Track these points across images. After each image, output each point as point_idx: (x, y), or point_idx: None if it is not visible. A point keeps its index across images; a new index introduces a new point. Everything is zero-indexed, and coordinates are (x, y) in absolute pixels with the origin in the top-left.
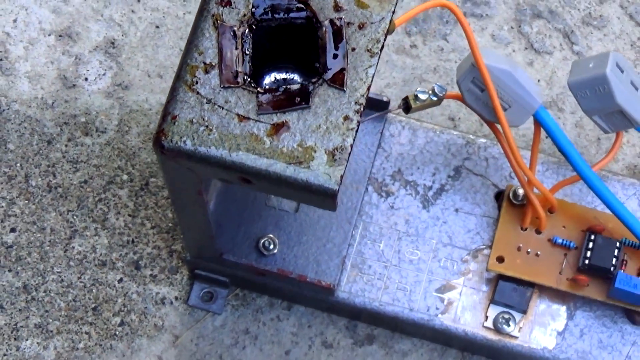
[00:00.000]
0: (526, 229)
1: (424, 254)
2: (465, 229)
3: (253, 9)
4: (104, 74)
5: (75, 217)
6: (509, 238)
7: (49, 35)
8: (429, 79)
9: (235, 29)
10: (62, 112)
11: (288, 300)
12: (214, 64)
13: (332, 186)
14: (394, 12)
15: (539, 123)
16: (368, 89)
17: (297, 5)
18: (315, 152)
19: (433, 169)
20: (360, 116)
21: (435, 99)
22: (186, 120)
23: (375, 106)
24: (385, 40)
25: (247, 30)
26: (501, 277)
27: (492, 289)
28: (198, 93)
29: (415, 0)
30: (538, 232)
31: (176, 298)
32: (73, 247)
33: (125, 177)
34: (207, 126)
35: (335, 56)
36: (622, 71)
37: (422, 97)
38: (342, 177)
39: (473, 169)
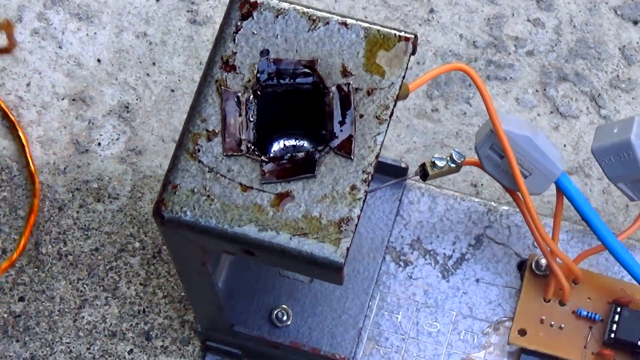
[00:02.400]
0: (549, 301)
1: (443, 326)
2: (486, 300)
3: (258, 74)
4: (117, 139)
5: (85, 286)
6: (532, 310)
7: (63, 99)
8: (451, 143)
9: (240, 95)
10: (74, 178)
11: None
12: (217, 132)
13: (338, 259)
14: (404, 77)
15: (561, 191)
16: (376, 157)
17: (304, 70)
18: (320, 223)
19: (453, 238)
20: (368, 186)
21: (453, 165)
22: (187, 190)
23: (393, 173)
24: (394, 106)
25: (251, 96)
26: (523, 350)
27: None
28: (200, 161)
29: (437, 63)
30: (562, 303)
31: None
32: (83, 317)
33: (137, 244)
34: (208, 196)
35: (342, 123)
36: None
37: (440, 164)
38: (348, 249)
39: (495, 237)
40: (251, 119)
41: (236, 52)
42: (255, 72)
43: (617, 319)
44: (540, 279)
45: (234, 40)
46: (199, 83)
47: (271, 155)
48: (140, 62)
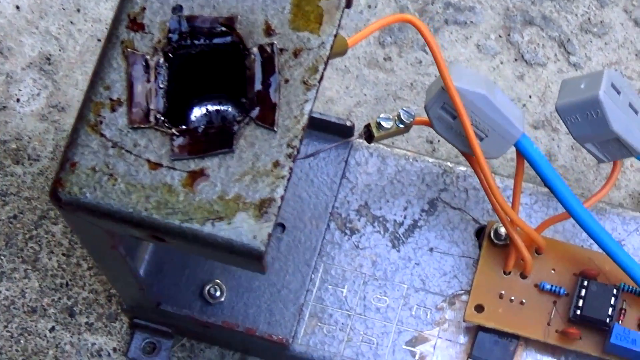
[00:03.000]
0: (510, 273)
1: (393, 301)
2: (440, 271)
3: (169, 34)
4: (38, 94)
5: (2, 257)
6: (490, 283)
7: None
8: (405, 96)
9: (148, 58)
10: None
11: (241, 352)
12: (122, 101)
13: (258, 247)
14: (336, 35)
15: (521, 154)
16: (303, 129)
17: (221, 29)
18: (238, 205)
19: (405, 203)
20: (294, 161)
21: (402, 126)
22: (87, 168)
23: (338, 132)
24: (325, 69)
25: (162, 60)
26: (481, 328)
27: (471, 342)
28: (102, 135)
29: (390, 7)
30: (523, 276)
31: (115, 350)
32: None
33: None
34: (111, 175)
35: (264, 89)
36: (618, 92)
37: (386, 125)
38: (270, 235)
39: (450, 202)
40: (161, 86)
41: (145, 9)
42: (167, 31)
43: (583, 294)
44: (500, 249)
45: None
46: (103, 45)
47: (183, 127)
48: (63, 8)
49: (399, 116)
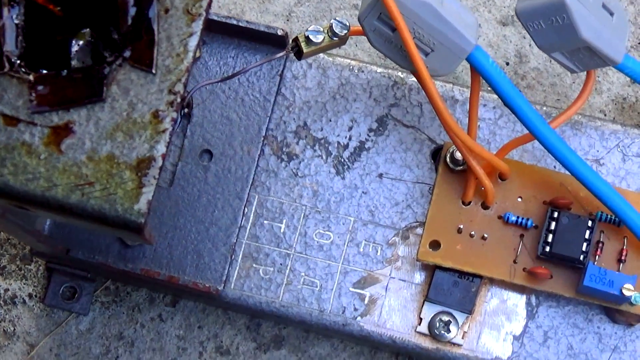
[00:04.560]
0: (469, 204)
1: (337, 237)
2: (392, 201)
3: None
4: None
5: None
6: (447, 216)
7: None
8: None
9: None
10: None
11: (172, 294)
12: None
13: (136, 218)
14: None
15: (475, 70)
16: (188, 69)
17: None
18: (112, 167)
19: (349, 121)
20: (177, 110)
21: (335, 39)
22: None
23: (269, 41)
24: None
25: None
26: (438, 267)
27: (428, 282)
28: None
29: None
30: (485, 207)
31: (30, 296)
32: None
33: None
34: None
35: (140, 22)
36: None
37: (317, 39)
38: (149, 203)
39: (402, 119)
40: (16, 20)
41: None
42: None
43: (553, 227)
44: (458, 175)
45: None
46: None
47: (43, 72)
48: None
49: (330, 28)
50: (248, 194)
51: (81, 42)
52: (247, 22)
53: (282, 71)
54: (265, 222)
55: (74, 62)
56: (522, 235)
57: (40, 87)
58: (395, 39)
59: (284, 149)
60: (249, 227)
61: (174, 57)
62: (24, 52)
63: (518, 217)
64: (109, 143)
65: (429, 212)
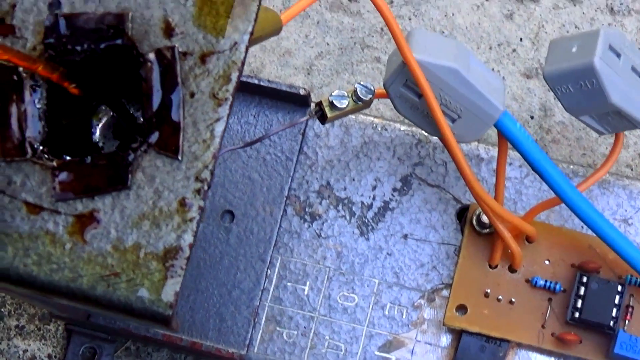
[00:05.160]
0: (496, 267)
1: (362, 299)
2: (417, 262)
3: (45, 40)
4: None
5: None
6: (473, 279)
7: None
8: (374, 43)
9: (21, 70)
10: None
11: (193, 356)
12: None
13: (164, 310)
14: (252, 34)
15: (502, 135)
16: (214, 156)
17: (110, 30)
18: (138, 257)
19: (373, 181)
20: (204, 199)
21: (360, 103)
22: None
23: (291, 100)
24: (240, 78)
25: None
26: (465, 331)
27: (455, 345)
28: None
29: None
30: (512, 270)
31: (50, 357)
32: None
33: None
34: None
35: (165, 106)
36: (618, 55)
37: (341, 104)
38: (177, 294)
39: (427, 178)
40: (38, 105)
41: (15, 6)
42: (42, 34)
43: (582, 292)
44: (484, 237)
45: None
46: None
47: (67, 158)
48: None
49: (355, 92)
50: (271, 255)
51: (101, 122)
52: (268, 81)
53: (304, 129)
54: (289, 284)
55: (96, 137)
56: (550, 299)
57: (63, 174)
58: (422, 105)
59: (306, 210)
60: (272, 290)
61: (200, 143)
62: (46, 137)
63: (546, 281)
64: (134, 232)
65: (456, 276)
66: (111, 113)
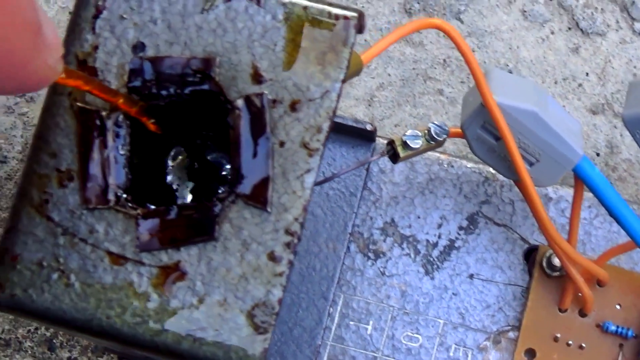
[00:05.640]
0: (566, 311)
1: (426, 340)
2: (483, 303)
3: (130, 83)
4: None
5: None
6: (543, 323)
7: None
8: (437, 75)
9: (104, 115)
10: None
11: None
12: (72, 173)
13: None
14: (344, 81)
15: (580, 179)
16: (304, 208)
17: (196, 74)
18: (225, 312)
19: (439, 218)
20: (294, 253)
21: (433, 143)
22: (32, 263)
23: (356, 135)
24: (331, 127)
25: (121, 117)
26: None
27: None
28: (50, 219)
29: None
30: (582, 314)
31: None
32: None
33: None
34: (63, 272)
35: (254, 155)
36: None
37: (415, 144)
38: (265, 350)
39: (494, 217)
40: (122, 151)
41: (97, 47)
42: (126, 78)
43: None
44: (554, 280)
45: (93, 28)
46: (46, 97)
47: (151, 207)
48: None
49: (429, 132)
50: (333, 293)
51: (176, 163)
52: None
53: (369, 165)
54: (351, 323)
55: (169, 178)
56: (621, 345)
57: (148, 224)
58: (499, 148)
59: (370, 247)
60: (334, 328)
61: (290, 194)
62: (130, 184)
63: (617, 327)
64: (222, 285)
65: (524, 319)
66: (186, 155)
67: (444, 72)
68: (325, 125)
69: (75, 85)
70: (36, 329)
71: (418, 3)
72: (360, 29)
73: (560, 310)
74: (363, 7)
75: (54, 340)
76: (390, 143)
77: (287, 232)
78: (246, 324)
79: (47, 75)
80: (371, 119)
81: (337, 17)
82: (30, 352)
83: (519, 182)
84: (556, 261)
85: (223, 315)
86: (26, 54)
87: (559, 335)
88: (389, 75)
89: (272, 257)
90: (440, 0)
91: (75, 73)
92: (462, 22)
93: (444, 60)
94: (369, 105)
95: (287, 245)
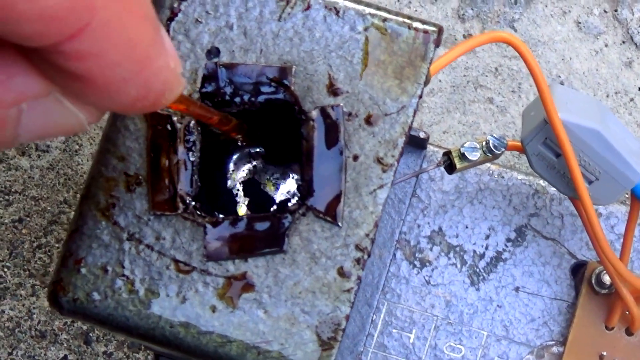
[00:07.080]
0: (613, 329)
1: (469, 351)
2: (527, 316)
3: (203, 88)
4: None
5: (5, 270)
6: (589, 340)
7: None
8: (488, 83)
9: (175, 119)
10: None
11: None
12: (141, 178)
13: None
14: (421, 96)
15: (637, 199)
16: (376, 224)
17: (271, 83)
18: (291, 326)
19: (487, 229)
20: (363, 268)
21: (490, 156)
22: (97, 268)
23: (408, 142)
24: (406, 143)
25: (192, 122)
26: None
27: None
28: (116, 223)
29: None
30: (629, 333)
31: None
32: (2, 311)
33: (73, 214)
34: (127, 278)
35: (327, 168)
36: None
37: (472, 156)
38: None
39: (542, 230)
40: (192, 158)
41: None
42: (200, 82)
43: None
44: (602, 297)
45: (167, 31)
46: None
47: (220, 216)
48: None
49: (487, 144)
50: (377, 300)
51: (239, 170)
52: None
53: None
54: (394, 331)
55: (229, 187)
56: None
57: (215, 232)
58: (559, 165)
59: (416, 255)
60: (376, 336)
61: (362, 209)
62: (198, 192)
63: None
64: (289, 299)
65: (570, 334)
66: (252, 162)
67: (495, 80)
68: (401, 141)
69: (179, 109)
70: (72, 321)
71: (472, 9)
72: (438, 43)
73: (606, 327)
74: (416, 11)
75: (90, 334)
76: (447, 154)
77: (358, 247)
78: (312, 339)
79: (172, 80)
80: (420, 125)
81: (417, 30)
82: (65, 345)
83: (576, 199)
84: (606, 278)
85: (289, 329)
86: (148, 50)
87: (604, 353)
88: (440, 81)
89: (342, 273)
90: (494, 7)
91: (183, 97)
92: (515, 30)
93: (496, 69)
94: (418, 110)
95: (357, 261)
